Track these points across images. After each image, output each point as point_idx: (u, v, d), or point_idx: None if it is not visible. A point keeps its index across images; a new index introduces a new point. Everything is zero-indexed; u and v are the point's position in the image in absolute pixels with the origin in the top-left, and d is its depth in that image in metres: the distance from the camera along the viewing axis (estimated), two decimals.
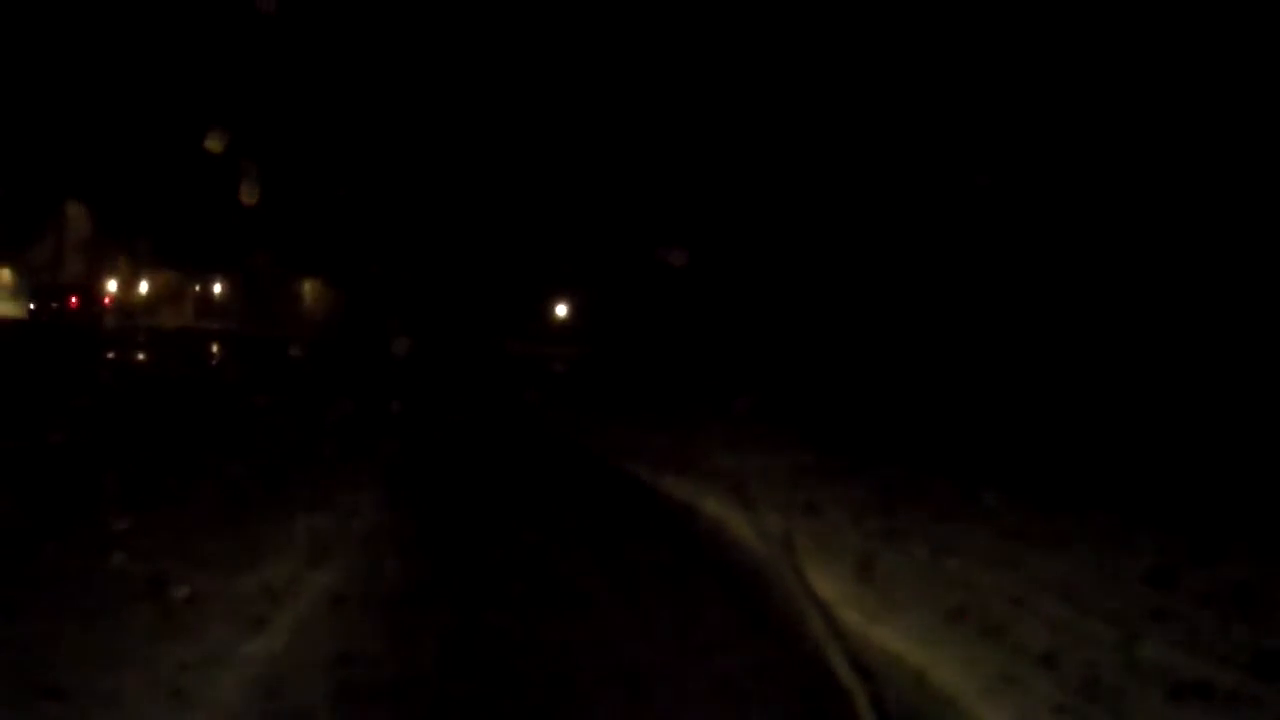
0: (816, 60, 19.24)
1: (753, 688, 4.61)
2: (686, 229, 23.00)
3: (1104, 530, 7.02)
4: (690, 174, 24.31)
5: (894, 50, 17.53)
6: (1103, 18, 13.95)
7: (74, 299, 37.54)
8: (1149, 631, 4.97)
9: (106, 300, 39.11)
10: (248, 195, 25.90)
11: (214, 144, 20.91)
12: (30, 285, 39.28)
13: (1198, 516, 7.30)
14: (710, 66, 22.23)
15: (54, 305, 37.08)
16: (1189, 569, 5.93)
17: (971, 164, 15.40)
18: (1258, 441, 9.64)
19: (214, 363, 26.48)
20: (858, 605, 5.66)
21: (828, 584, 6.05)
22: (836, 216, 19.68)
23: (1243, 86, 12.27)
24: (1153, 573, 5.89)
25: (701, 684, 4.59)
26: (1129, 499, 7.86)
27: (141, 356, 26.00)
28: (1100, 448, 10.27)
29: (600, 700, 4.40)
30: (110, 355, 24.74)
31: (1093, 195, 14.25)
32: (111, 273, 45.48)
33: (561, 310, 43.82)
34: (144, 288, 47.64)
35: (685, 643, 5.16)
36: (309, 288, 44.42)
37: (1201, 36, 12.68)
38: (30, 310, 38.17)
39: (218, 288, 50.98)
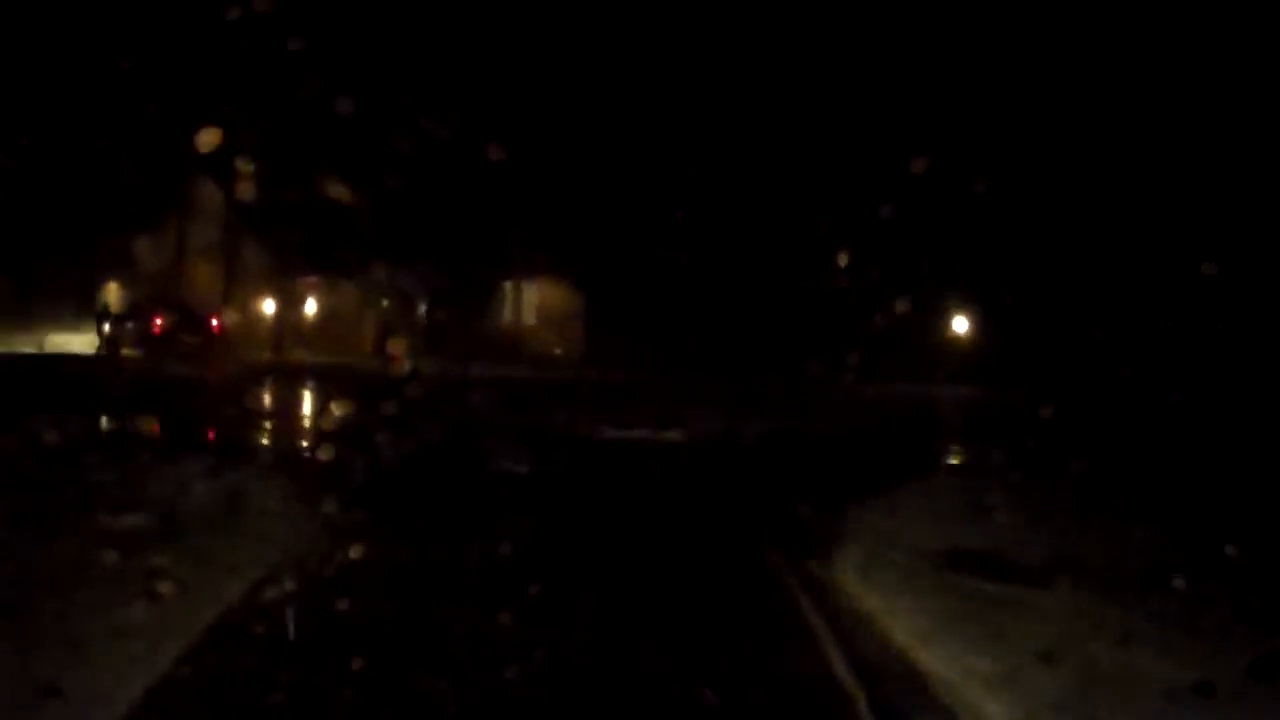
0: None
1: None
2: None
3: None
4: None
5: None
6: None
7: (158, 321, 23.23)
8: None
9: (215, 324, 24.47)
10: None
11: None
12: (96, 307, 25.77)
13: None
14: None
15: (128, 328, 23.13)
16: None
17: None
18: None
19: None
20: None
21: None
22: None
23: None
24: None
25: None
26: None
27: None
28: None
29: None
30: None
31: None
32: (264, 288, 31.35)
33: (960, 327, 25.85)
34: (311, 308, 33.26)
35: None
36: (531, 299, 28.62)
37: None
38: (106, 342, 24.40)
39: (421, 309, 36.12)
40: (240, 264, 30.10)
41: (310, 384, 18.25)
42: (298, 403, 15.63)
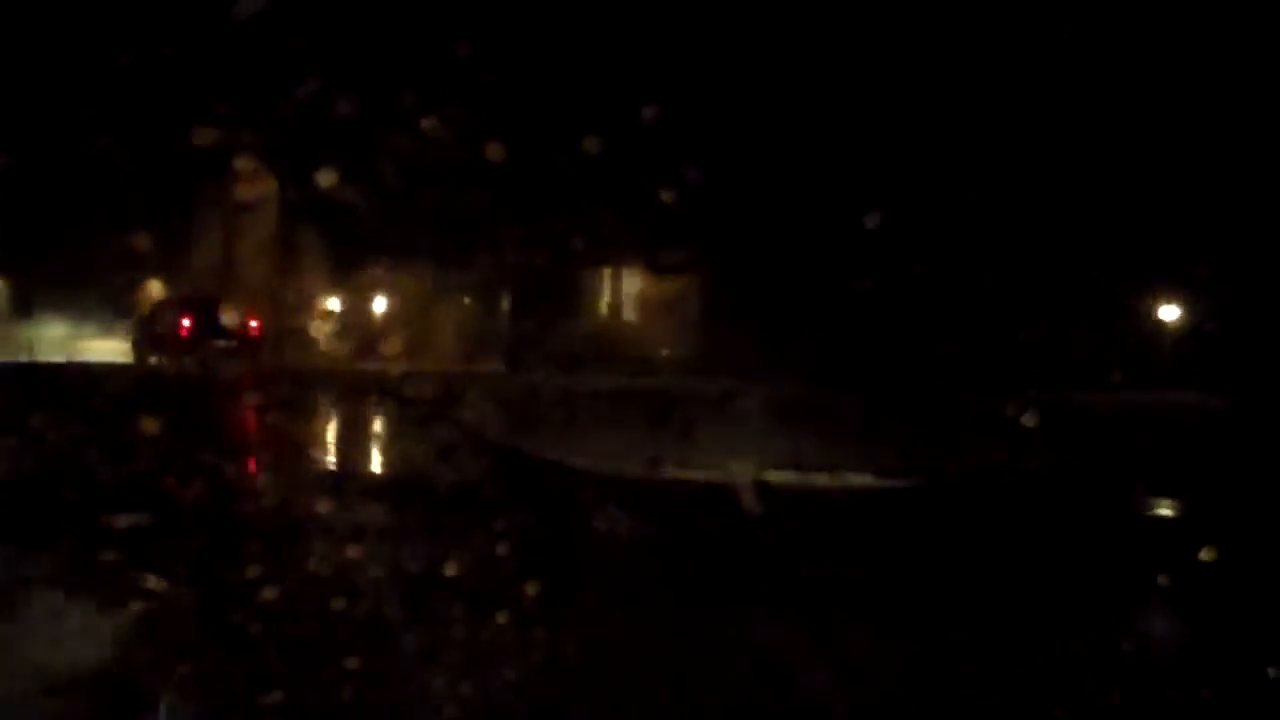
0: None
1: None
2: None
3: None
4: None
5: None
6: None
7: (185, 323, 19.50)
8: None
9: (255, 326, 20.58)
10: None
11: None
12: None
13: None
14: None
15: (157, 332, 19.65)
16: None
17: None
18: None
19: None
20: None
21: None
22: None
23: None
24: None
25: None
26: None
27: None
28: None
29: None
30: None
31: None
32: (324, 285, 27.54)
33: (1169, 316, 20.53)
34: (380, 306, 29.27)
35: None
36: (631, 289, 24.08)
37: None
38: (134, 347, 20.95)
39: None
40: (296, 259, 26.34)
41: (344, 400, 14.14)
42: (301, 432, 11.35)
